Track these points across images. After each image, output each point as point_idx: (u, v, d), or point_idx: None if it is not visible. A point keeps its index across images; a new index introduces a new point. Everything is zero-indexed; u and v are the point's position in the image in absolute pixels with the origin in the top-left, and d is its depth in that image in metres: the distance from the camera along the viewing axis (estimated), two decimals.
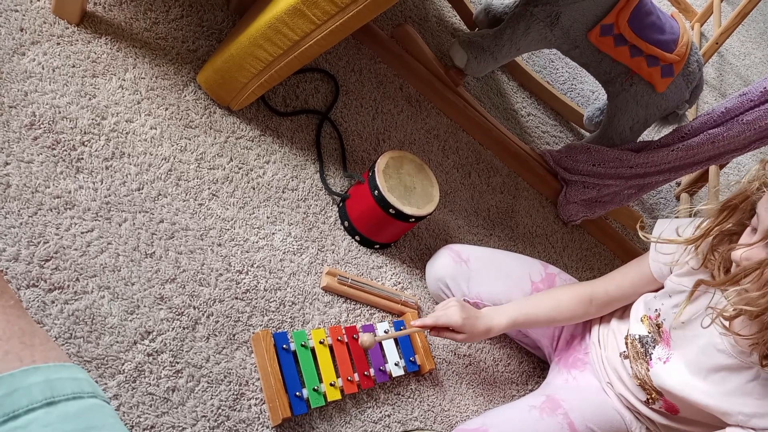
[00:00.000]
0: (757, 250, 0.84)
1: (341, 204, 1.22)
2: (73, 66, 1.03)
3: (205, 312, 0.98)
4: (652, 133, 1.64)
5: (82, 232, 0.93)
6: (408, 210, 1.13)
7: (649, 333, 1.07)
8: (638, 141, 1.54)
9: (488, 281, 1.22)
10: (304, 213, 1.18)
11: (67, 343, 0.85)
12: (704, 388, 0.96)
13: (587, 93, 2.00)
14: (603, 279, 1.15)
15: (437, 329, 1.07)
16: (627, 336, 1.11)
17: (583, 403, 1.10)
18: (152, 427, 0.87)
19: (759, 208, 0.85)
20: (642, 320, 1.09)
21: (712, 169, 1.79)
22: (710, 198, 1.77)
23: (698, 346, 0.97)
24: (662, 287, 1.07)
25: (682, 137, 1.39)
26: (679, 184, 1.96)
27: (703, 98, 2.46)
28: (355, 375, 1.06)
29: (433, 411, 1.14)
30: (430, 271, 1.26)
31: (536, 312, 1.13)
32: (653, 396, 1.06)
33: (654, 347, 1.05)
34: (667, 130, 1.50)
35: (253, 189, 1.13)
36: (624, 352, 1.11)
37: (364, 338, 1.01)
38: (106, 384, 0.86)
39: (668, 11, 1.46)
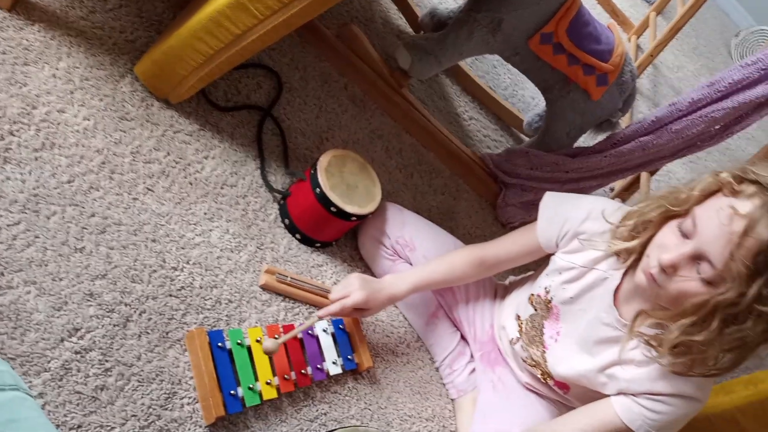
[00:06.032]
0: (695, 284, 0.86)
1: (282, 201, 1.22)
2: (3, 53, 0.99)
3: (137, 309, 0.96)
4: (588, 140, 1.69)
5: (8, 225, 0.89)
6: (349, 208, 1.14)
7: (537, 311, 1.14)
8: (574, 147, 1.59)
9: (420, 225, 1.31)
10: (243, 210, 1.16)
11: None
12: (592, 363, 1.04)
13: (528, 99, 2.05)
14: (494, 243, 1.20)
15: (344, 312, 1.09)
16: (520, 321, 1.18)
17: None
18: (79, 426, 0.84)
19: (699, 216, 0.87)
20: (530, 300, 1.16)
21: (644, 175, 1.86)
22: (643, 196, 1.80)
23: (586, 320, 1.05)
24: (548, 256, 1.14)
25: (614, 144, 1.44)
26: (612, 190, 2.03)
27: (638, 108, 2.56)
28: (292, 373, 1.05)
29: (369, 409, 1.15)
30: (365, 231, 1.28)
31: (434, 277, 1.19)
32: (545, 377, 1.15)
33: (543, 325, 1.12)
34: (601, 137, 1.56)
35: (191, 184, 1.11)
36: (512, 339, 1.20)
37: (267, 344, 1.00)
38: (31, 382, 0.83)
39: (606, 23, 1.51)
